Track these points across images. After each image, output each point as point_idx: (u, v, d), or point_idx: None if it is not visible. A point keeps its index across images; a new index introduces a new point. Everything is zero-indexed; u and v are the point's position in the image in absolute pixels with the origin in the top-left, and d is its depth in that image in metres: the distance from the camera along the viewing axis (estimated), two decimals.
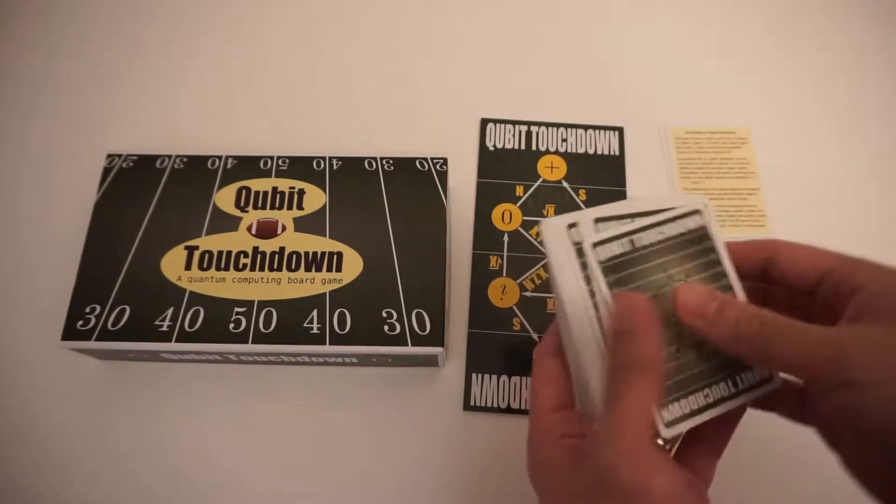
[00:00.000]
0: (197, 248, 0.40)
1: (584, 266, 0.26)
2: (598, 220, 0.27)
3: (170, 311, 0.39)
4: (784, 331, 0.22)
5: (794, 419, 0.27)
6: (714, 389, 0.26)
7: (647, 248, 0.27)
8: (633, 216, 0.27)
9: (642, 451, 0.21)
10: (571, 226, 0.27)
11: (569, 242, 0.27)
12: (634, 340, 0.23)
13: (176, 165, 0.43)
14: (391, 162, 0.43)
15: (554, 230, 0.27)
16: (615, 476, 0.21)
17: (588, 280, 0.26)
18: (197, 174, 0.43)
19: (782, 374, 0.26)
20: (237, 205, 0.42)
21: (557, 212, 0.46)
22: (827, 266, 0.24)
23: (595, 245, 0.26)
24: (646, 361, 0.23)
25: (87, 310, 0.39)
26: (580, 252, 0.27)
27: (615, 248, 0.27)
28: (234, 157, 0.44)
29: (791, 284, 0.25)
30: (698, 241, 0.27)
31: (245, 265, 0.40)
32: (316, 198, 0.42)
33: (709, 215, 0.27)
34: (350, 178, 0.43)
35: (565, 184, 0.47)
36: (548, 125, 0.50)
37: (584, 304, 0.26)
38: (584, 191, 0.47)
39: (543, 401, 0.27)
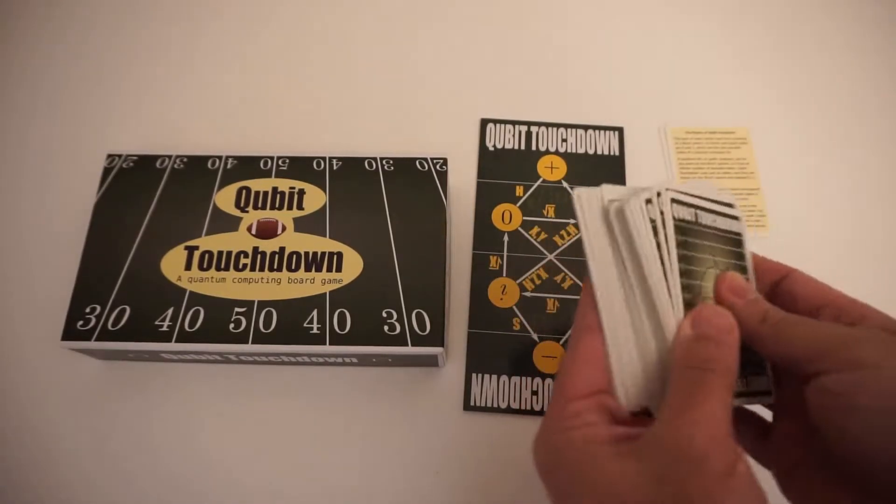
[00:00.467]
0: (197, 248, 0.40)
1: (655, 230, 0.26)
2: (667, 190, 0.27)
3: (170, 312, 0.39)
4: (801, 321, 0.25)
5: (754, 453, 0.28)
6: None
7: (704, 227, 0.28)
8: (695, 197, 0.28)
9: (730, 436, 0.22)
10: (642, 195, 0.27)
11: (643, 204, 0.26)
12: (721, 348, 0.24)
13: (176, 165, 0.43)
14: (391, 162, 0.43)
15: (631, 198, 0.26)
16: (704, 462, 0.21)
17: (659, 246, 0.26)
18: (197, 174, 0.43)
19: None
20: (237, 205, 0.42)
21: (558, 212, 0.46)
22: (836, 296, 0.27)
23: (673, 201, 0.27)
24: (732, 369, 0.24)
25: (88, 310, 0.39)
26: (651, 218, 0.26)
27: (685, 213, 0.27)
28: (234, 158, 0.44)
29: (796, 302, 0.27)
30: (735, 244, 0.29)
31: (245, 265, 0.40)
32: (316, 198, 0.42)
33: (745, 226, 0.30)
34: (350, 178, 0.43)
35: (565, 184, 0.47)
36: (548, 125, 0.50)
37: (658, 268, 0.26)
38: None
39: (579, 380, 0.25)
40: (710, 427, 0.22)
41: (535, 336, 0.43)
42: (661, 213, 0.27)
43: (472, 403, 0.41)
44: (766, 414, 0.29)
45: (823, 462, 0.25)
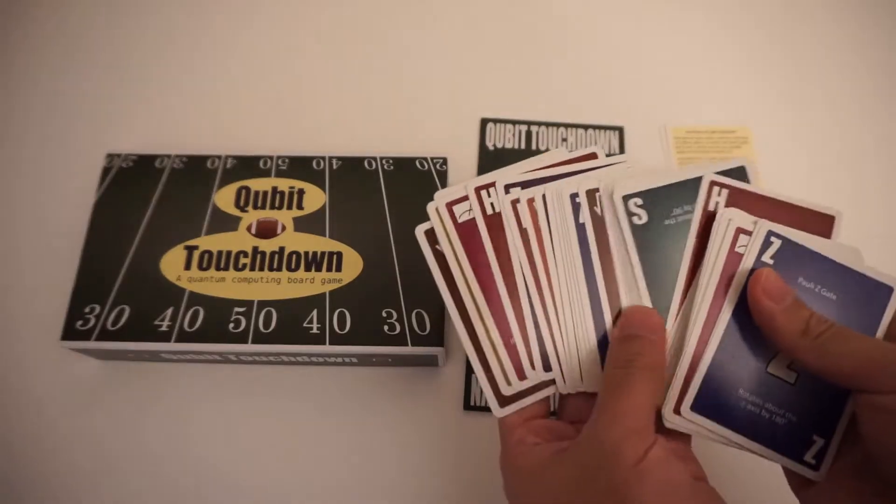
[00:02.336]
0: (196, 247, 0.40)
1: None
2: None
3: (169, 311, 0.39)
4: (849, 335, 0.24)
5: (804, 499, 0.27)
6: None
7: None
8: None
9: (646, 427, 0.23)
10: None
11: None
12: (645, 344, 0.25)
13: (175, 165, 0.43)
14: (391, 162, 0.43)
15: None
16: (617, 453, 0.22)
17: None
18: (196, 174, 0.43)
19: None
20: (237, 205, 0.42)
21: None
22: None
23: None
24: (655, 364, 0.25)
25: (87, 310, 0.39)
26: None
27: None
28: (234, 157, 0.44)
29: None
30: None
31: (245, 265, 0.40)
32: (316, 198, 0.42)
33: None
34: (350, 177, 0.43)
35: None
36: (548, 125, 0.50)
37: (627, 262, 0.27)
38: None
39: (510, 417, 0.27)
40: (626, 420, 0.23)
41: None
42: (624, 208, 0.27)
43: (472, 403, 0.41)
44: None
45: (879, 492, 0.24)
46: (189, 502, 0.39)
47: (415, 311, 0.38)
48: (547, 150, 0.49)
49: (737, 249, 0.26)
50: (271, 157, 0.43)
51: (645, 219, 0.27)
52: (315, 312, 0.38)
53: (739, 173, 0.28)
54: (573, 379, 0.27)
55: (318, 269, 0.40)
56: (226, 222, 0.41)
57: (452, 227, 0.28)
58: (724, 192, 0.27)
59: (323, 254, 0.40)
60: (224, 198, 0.42)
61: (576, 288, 0.27)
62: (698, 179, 0.27)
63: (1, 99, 0.51)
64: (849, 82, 0.52)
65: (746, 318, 0.26)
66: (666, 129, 0.50)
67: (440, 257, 0.28)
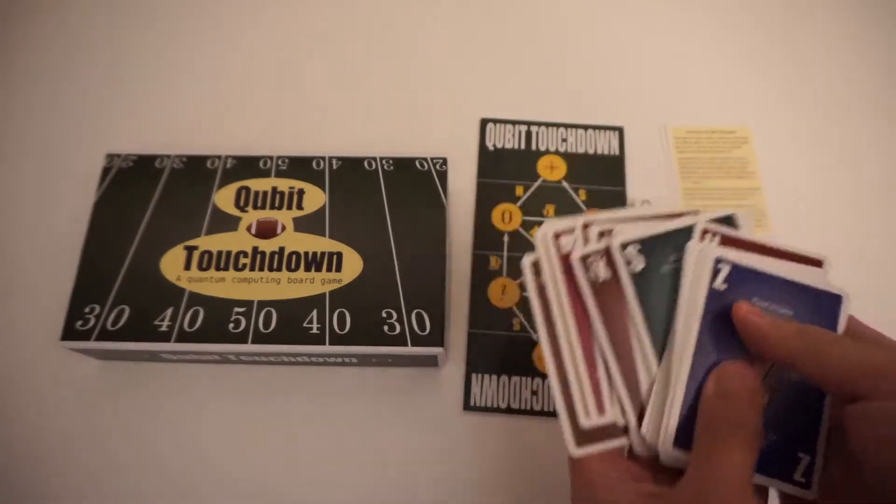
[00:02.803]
0: (196, 248, 0.40)
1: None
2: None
3: (169, 311, 0.39)
4: (840, 339, 0.24)
5: None
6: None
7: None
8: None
9: (749, 490, 0.22)
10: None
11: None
12: (745, 407, 0.24)
13: (175, 165, 0.43)
14: (391, 162, 0.43)
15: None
16: None
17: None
18: (196, 174, 0.43)
19: None
20: (237, 205, 0.42)
21: (558, 212, 0.46)
22: (852, 321, 0.26)
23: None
24: (755, 426, 0.24)
25: (87, 310, 0.39)
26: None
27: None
28: (234, 157, 0.43)
29: None
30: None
31: (245, 265, 0.40)
32: (316, 198, 0.42)
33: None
34: (350, 178, 0.43)
35: (565, 184, 0.47)
36: (548, 125, 0.50)
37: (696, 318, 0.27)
38: (584, 191, 0.47)
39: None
40: (729, 482, 0.22)
41: (535, 336, 0.43)
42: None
43: (472, 403, 0.41)
44: None
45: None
46: (189, 502, 0.39)
47: (415, 311, 0.38)
48: (546, 150, 0.49)
49: (702, 280, 0.27)
50: (271, 158, 0.43)
51: (642, 266, 0.28)
52: (315, 312, 0.38)
53: (729, 221, 0.29)
54: (651, 434, 0.27)
55: (318, 270, 0.40)
56: (226, 222, 0.41)
57: (556, 258, 0.29)
58: (716, 238, 0.28)
59: (323, 254, 0.40)
60: (224, 198, 0.42)
61: (649, 342, 0.28)
62: (692, 227, 0.29)
63: (1, 99, 0.51)
64: (849, 82, 0.52)
65: (713, 348, 0.26)
66: (666, 130, 0.50)
67: (541, 288, 0.29)
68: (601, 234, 0.29)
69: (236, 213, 0.42)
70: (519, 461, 0.40)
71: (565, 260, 0.29)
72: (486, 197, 0.47)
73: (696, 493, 0.22)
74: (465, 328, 0.43)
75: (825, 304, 0.27)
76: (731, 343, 0.26)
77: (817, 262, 0.28)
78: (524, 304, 0.43)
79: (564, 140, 0.49)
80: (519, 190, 0.47)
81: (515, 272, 0.44)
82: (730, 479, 0.22)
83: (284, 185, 0.42)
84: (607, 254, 0.28)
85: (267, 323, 0.38)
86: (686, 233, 0.28)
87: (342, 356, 0.39)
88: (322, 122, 0.50)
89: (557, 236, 0.29)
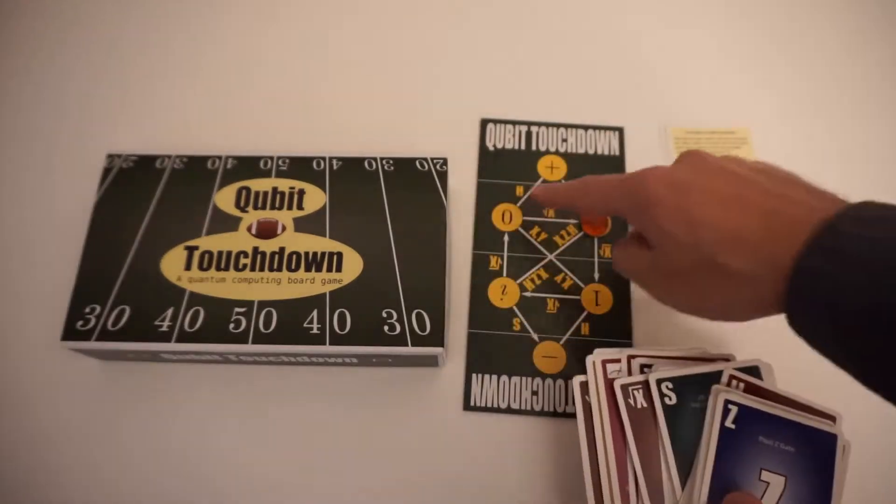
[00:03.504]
0: (197, 248, 0.40)
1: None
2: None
3: (170, 312, 0.39)
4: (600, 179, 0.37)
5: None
6: None
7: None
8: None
9: None
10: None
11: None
12: None
13: (176, 165, 0.43)
14: (391, 162, 0.43)
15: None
16: None
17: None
18: (197, 174, 0.43)
19: None
20: (237, 205, 0.42)
21: (558, 212, 0.46)
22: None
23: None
24: None
25: (87, 310, 0.39)
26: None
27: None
28: (234, 158, 0.44)
29: None
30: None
31: (245, 265, 0.40)
32: (316, 198, 0.42)
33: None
34: (350, 178, 0.43)
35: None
36: (548, 125, 0.50)
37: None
38: None
39: None
40: None
41: (535, 336, 0.43)
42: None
43: (472, 403, 0.41)
44: None
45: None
46: (189, 500, 0.39)
47: (415, 312, 0.39)
48: (547, 150, 0.49)
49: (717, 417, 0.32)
50: (271, 158, 0.43)
51: (675, 400, 0.33)
52: (315, 313, 0.39)
53: (754, 371, 0.34)
54: None
55: (319, 270, 0.40)
56: (226, 222, 0.41)
57: (602, 381, 0.34)
58: (741, 385, 0.33)
59: (323, 254, 0.40)
60: (224, 198, 0.42)
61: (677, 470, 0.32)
62: (720, 372, 0.33)
63: (1, 99, 0.51)
64: (849, 83, 0.52)
65: (728, 476, 0.30)
66: (666, 130, 0.50)
67: (587, 404, 0.34)
68: (643, 368, 0.34)
69: (237, 213, 0.42)
70: (519, 461, 0.40)
71: (610, 385, 0.34)
72: (486, 197, 0.47)
73: None
74: (465, 328, 0.43)
75: (823, 441, 0.31)
76: (741, 474, 0.30)
77: (831, 417, 0.32)
78: (524, 303, 0.44)
79: (564, 140, 0.49)
80: (519, 190, 0.47)
81: (515, 272, 0.44)
82: None
83: (285, 185, 0.42)
84: (646, 386, 0.33)
85: (267, 323, 0.38)
86: (715, 376, 0.33)
87: (342, 356, 0.39)
88: (322, 123, 0.50)
89: (605, 363, 0.34)
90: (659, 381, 0.33)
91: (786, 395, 0.32)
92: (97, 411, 0.41)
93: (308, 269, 0.40)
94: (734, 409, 0.31)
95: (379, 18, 0.54)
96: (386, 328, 0.38)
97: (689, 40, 0.53)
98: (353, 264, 0.40)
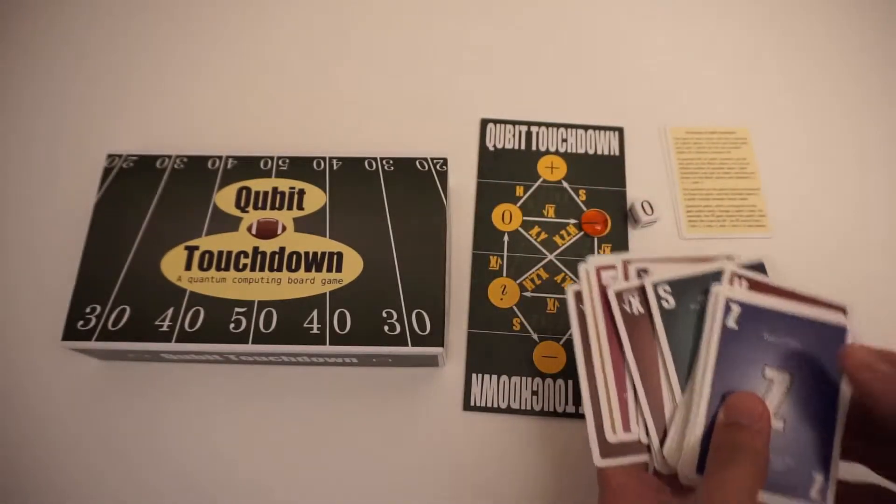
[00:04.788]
0: (197, 248, 0.40)
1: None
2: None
3: (170, 312, 0.39)
4: None
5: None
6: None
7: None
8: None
9: (751, 501, 0.25)
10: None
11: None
12: (750, 434, 0.26)
13: (176, 165, 0.43)
14: (391, 162, 0.43)
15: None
16: None
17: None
18: (197, 174, 0.43)
19: None
20: (237, 205, 0.42)
21: (558, 212, 0.46)
22: None
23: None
24: (759, 452, 0.26)
25: (88, 310, 0.39)
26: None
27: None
28: (235, 158, 0.44)
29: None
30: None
31: (245, 265, 0.40)
32: (316, 198, 0.42)
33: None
34: (350, 178, 0.43)
35: (565, 184, 0.47)
36: (548, 125, 0.50)
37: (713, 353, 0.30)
38: (584, 191, 0.47)
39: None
40: (733, 491, 0.25)
41: (535, 336, 0.43)
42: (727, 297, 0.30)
43: (472, 403, 0.41)
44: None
45: None
46: (190, 501, 0.39)
47: (415, 311, 0.39)
48: (547, 150, 0.49)
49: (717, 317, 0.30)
50: (272, 158, 0.43)
51: (672, 304, 0.31)
52: (315, 313, 0.39)
53: (760, 269, 0.32)
54: (671, 457, 0.29)
55: (319, 270, 0.40)
56: (226, 223, 0.41)
57: (597, 290, 0.32)
58: (744, 283, 0.31)
59: (323, 254, 0.40)
60: (224, 198, 0.42)
61: (675, 373, 0.30)
62: (720, 272, 0.31)
63: (2, 99, 0.51)
64: (848, 82, 0.52)
65: (730, 378, 0.29)
66: (665, 130, 0.50)
67: (581, 314, 0.32)
68: (639, 273, 0.32)
69: (237, 213, 0.42)
70: (519, 461, 0.40)
71: (605, 292, 0.32)
72: (486, 197, 0.47)
73: (706, 500, 0.25)
74: (465, 328, 0.43)
75: (832, 335, 0.29)
76: (745, 374, 0.29)
77: (841, 309, 0.30)
78: (524, 303, 0.44)
79: (564, 140, 0.49)
80: (519, 190, 0.47)
81: (515, 272, 0.45)
82: (735, 495, 0.24)
83: (285, 185, 0.42)
84: (642, 291, 0.31)
85: (267, 323, 0.38)
86: (714, 276, 0.31)
87: (342, 356, 0.39)
88: (322, 123, 0.50)
89: (599, 271, 0.32)
90: (655, 285, 0.31)
91: (791, 290, 0.31)
92: (97, 411, 0.41)
93: (308, 269, 0.40)
94: (736, 308, 0.30)
95: (379, 19, 0.54)
96: (386, 328, 0.38)
97: (689, 40, 0.53)
98: (353, 264, 0.40)
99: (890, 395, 0.25)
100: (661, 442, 0.29)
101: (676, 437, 0.29)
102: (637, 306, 0.31)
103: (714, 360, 0.29)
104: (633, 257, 0.33)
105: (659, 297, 0.31)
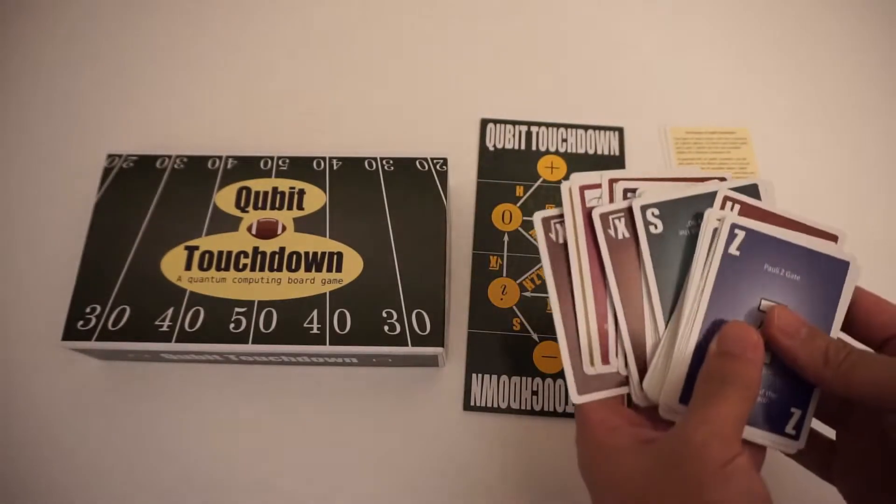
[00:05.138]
0: (197, 248, 0.40)
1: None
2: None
3: (170, 312, 0.39)
4: (869, 359, 0.25)
5: (820, 474, 0.30)
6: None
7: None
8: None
9: (735, 435, 0.24)
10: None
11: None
12: (741, 363, 0.25)
13: (176, 165, 0.43)
14: (391, 162, 0.43)
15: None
16: (704, 451, 0.23)
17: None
18: (197, 174, 0.43)
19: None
20: (237, 205, 0.42)
21: None
22: None
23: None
24: (750, 383, 0.25)
25: (88, 310, 0.39)
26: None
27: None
28: (235, 158, 0.44)
29: (866, 332, 0.28)
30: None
31: (245, 265, 0.40)
32: (316, 198, 0.42)
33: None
34: (350, 178, 0.43)
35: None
36: (548, 125, 0.50)
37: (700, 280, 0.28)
38: None
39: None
40: (715, 425, 0.23)
41: (535, 336, 0.43)
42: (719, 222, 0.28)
43: (472, 403, 0.41)
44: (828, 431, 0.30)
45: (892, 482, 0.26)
46: (189, 500, 0.39)
47: (415, 311, 0.39)
48: (547, 150, 0.49)
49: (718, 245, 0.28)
50: (272, 158, 0.43)
51: (661, 228, 0.29)
52: (315, 313, 0.39)
53: (752, 191, 0.30)
54: (651, 389, 0.28)
55: (319, 270, 0.40)
56: (226, 223, 0.41)
57: (581, 210, 0.30)
58: (737, 206, 0.29)
59: (323, 254, 0.40)
60: (224, 198, 0.42)
61: (661, 299, 0.28)
62: (713, 194, 0.29)
63: (2, 99, 0.51)
64: (848, 82, 0.52)
65: (723, 307, 0.27)
66: (665, 130, 0.50)
67: (552, 239, 0.30)
68: (626, 193, 0.30)
69: (237, 213, 0.42)
70: (519, 461, 0.40)
71: (588, 214, 0.29)
72: (486, 197, 0.47)
73: (686, 437, 0.24)
74: (465, 328, 0.43)
75: (833, 270, 0.28)
76: (739, 305, 0.27)
77: (833, 237, 0.29)
78: (524, 303, 0.44)
79: (564, 140, 0.49)
80: (519, 190, 0.47)
81: (515, 272, 0.45)
82: (720, 425, 0.23)
83: (285, 185, 0.42)
84: (629, 213, 0.29)
85: (267, 323, 0.38)
86: (706, 199, 0.29)
87: (342, 356, 0.39)
88: (322, 123, 0.50)
89: (583, 190, 0.30)
90: (644, 208, 0.29)
91: (788, 216, 0.29)
92: (98, 411, 0.41)
93: (308, 269, 0.40)
94: (741, 235, 0.28)
95: (379, 19, 0.54)
96: (386, 328, 0.38)
97: (689, 40, 0.54)
98: (353, 264, 0.40)
99: (811, 359, 0.25)
100: (641, 374, 0.28)
101: (660, 368, 0.27)
102: (623, 230, 0.29)
103: (711, 289, 0.27)
104: (619, 176, 0.30)
105: (647, 222, 0.29)
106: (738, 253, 0.28)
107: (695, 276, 0.28)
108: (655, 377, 0.27)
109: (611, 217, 0.29)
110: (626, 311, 0.28)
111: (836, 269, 0.28)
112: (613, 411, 0.28)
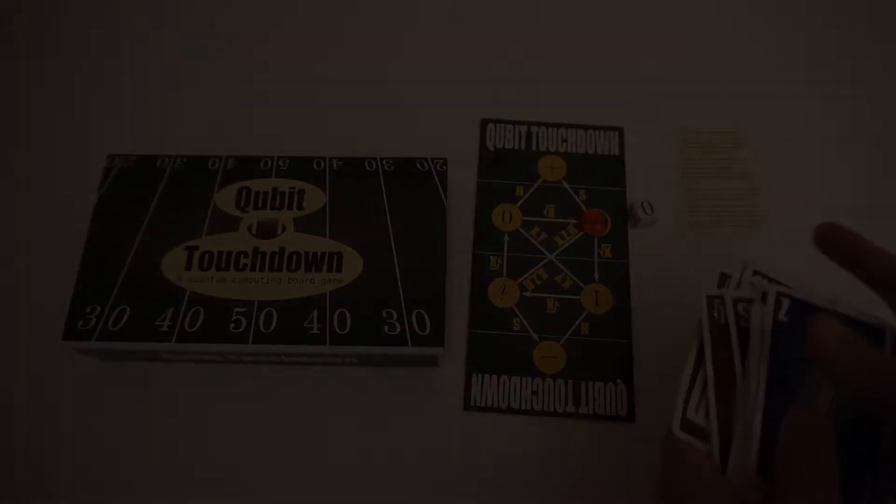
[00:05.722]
0: (197, 248, 0.40)
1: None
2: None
3: (170, 311, 0.39)
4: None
5: None
6: None
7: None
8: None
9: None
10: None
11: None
12: (814, 451, 0.25)
13: (176, 166, 0.43)
14: (391, 162, 0.43)
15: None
16: None
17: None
18: (197, 174, 0.43)
19: None
20: (237, 205, 0.42)
21: (558, 212, 0.46)
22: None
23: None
24: (826, 467, 0.25)
25: (88, 310, 0.39)
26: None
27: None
28: (234, 158, 0.44)
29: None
30: None
31: (245, 265, 0.40)
32: (316, 198, 0.42)
33: None
34: (350, 178, 0.43)
35: (565, 184, 0.47)
36: (548, 125, 0.50)
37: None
38: (584, 191, 0.47)
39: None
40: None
41: (535, 336, 0.43)
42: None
43: (472, 403, 0.41)
44: None
45: None
46: (189, 501, 0.39)
47: (415, 311, 0.39)
48: (547, 150, 0.49)
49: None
50: (271, 158, 0.43)
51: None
52: (315, 313, 0.39)
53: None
54: (738, 463, 0.29)
55: (319, 270, 0.40)
56: (226, 223, 0.41)
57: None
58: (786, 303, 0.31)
59: (323, 254, 0.40)
60: (224, 198, 0.42)
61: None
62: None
63: (1, 99, 0.51)
64: (848, 83, 0.52)
65: (783, 373, 0.29)
66: (666, 130, 0.50)
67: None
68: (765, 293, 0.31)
69: (237, 213, 0.42)
70: (519, 461, 0.40)
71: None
72: (486, 197, 0.47)
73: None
74: (465, 328, 0.43)
75: (873, 337, 0.29)
76: (798, 376, 0.29)
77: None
78: (524, 303, 0.44)
79: (564, 140, 0.49)
80: (519, 190, 0.47)
81: (515, 272, 0.45)
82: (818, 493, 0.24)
83: (285, 185, 0.42)
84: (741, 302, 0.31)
85: (267, 323, 0.38)
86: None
87: (342, 356, 0.39)
88: (322, 123, 0.50)
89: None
90: (735, 300, 0.31)
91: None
92: (98, 411, 0.41)
93: (308, 269, 0.40)
94: (786, 302, 0.30)
95: (379, 19, 0.54)
96: (386, 328, 0.38)
97: (689, 40, 0.53)
98: (353, 264, 0.40)
99: (849, 369, 0.25)
100: (722, 452, 0.29)
101: (738, 452, 0.29)
102: (725, 315, 0.31)
103: (767, 362, 0.29)
104: (777, 289, 0.31)
105: (738, 315, 0.31)
106: (786, 319, 0.30)
107: (752, 355, 0.30)
108: (737, 461, 0.29)
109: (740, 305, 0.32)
110: (719, 388, 0.30)
111: (876, 337, 0.30)
112: (708, 463, 0.29)
